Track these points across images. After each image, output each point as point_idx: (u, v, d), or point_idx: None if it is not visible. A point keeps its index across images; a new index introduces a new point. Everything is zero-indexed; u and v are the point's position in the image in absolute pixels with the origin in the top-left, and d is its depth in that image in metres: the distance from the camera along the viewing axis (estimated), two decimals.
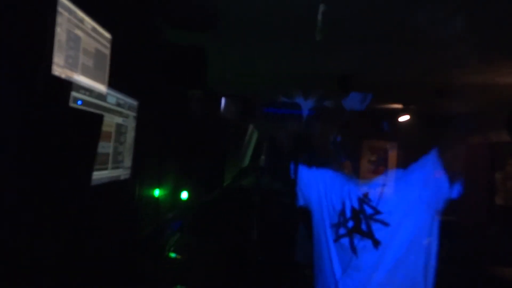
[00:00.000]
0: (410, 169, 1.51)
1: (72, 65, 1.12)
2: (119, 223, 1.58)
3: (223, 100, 3.59)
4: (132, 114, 1.68)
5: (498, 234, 3.31)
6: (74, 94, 1.10)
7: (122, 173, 1.62)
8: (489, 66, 3.00)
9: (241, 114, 3.44)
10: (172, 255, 2.18)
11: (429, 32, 2.34)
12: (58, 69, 1.05)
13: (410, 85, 3.76)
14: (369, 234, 1.43)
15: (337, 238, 1.52)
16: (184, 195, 2.74)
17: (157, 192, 2.61)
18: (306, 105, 3.28)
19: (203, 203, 2.39)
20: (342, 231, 1.50)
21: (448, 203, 1.42)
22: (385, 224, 1.41)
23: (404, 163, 1.56)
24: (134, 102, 1.69)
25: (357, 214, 1.46)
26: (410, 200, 1.44)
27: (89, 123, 0.94)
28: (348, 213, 1.50)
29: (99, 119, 1.01)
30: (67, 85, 1.02)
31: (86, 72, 1.20)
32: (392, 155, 1.55)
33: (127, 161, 1.68)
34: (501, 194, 3.89)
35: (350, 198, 1.51)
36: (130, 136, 1.68)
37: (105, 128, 1.37)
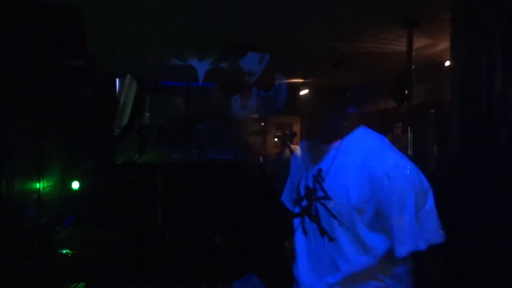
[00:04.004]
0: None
1: None
2: None
3: (117, 81, 3.22)
4: None
5: None
6: None
7: None
8: (377, 33, 3.21)
9: (136, 94, 3.15)
10: (64, 251, 1.86)
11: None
12: None
13: (308, 58, 3.86)
14: (316, 220, 1.35)
15: (295, 215, 1.46)
16: (75, 184, 2.39)
17: (39, 185, 2.21)
18: (201, 67, 3.10)
19: (97, 188, 2.08)
20: (297, 209, 1.44)
21: None
22: (333, 216, 1.31)
23: (308, 136, 1.53)
24: None
25: (310, 193, 1.39)
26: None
27: None
28: (302, 191, 1.42)
29: None
30: None
31: None
32: (296, 129, 1.52)
33: None
34: None
35: (306, 174, 1.43)
36: None
37: None
